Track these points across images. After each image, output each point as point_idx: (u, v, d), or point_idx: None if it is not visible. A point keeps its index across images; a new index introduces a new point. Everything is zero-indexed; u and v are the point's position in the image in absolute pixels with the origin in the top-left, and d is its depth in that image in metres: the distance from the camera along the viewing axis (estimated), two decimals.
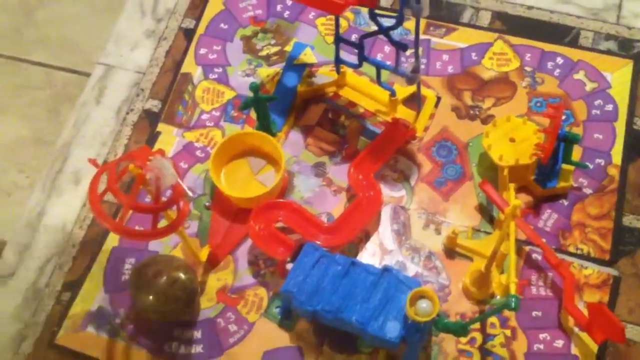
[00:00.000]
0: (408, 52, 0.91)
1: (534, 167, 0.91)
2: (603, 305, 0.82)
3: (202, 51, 1.07)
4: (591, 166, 0.95)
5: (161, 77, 1.05)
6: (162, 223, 0.80)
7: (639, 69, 1.02)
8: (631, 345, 0.85)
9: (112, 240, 0.94)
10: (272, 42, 1.07)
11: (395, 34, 0.88)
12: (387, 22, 0.88)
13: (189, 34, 1.09)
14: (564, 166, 0.92)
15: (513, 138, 0.92)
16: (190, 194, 0.79)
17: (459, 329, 0.77)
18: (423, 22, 1.05)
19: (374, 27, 0.89)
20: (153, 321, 0.88)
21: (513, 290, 0.74)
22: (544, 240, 0.89)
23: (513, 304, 0.71)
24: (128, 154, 0.74)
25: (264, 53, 1.06)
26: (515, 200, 0.76)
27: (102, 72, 1.07)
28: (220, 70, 1.05)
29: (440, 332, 0.81)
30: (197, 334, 0.88)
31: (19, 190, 1.02)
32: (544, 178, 0.92)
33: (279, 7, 1.09)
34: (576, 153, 0.96)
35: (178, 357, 0.87)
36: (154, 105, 1.04)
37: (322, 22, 1.08)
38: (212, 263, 0.91)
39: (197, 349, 0.87)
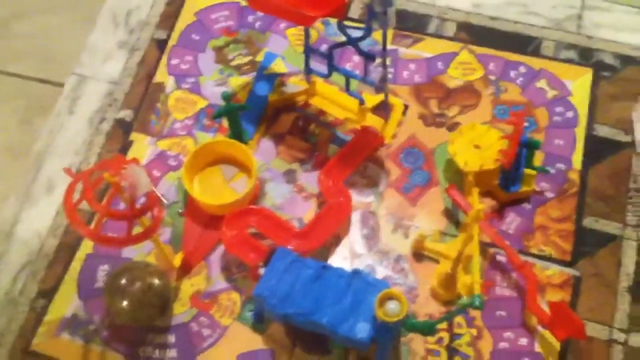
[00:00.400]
0: (376, 62, 0.94)
1: (498, 173, 0.94)
2: (564, 303, 0.85)
3: (175, 61, 1.09)
4: (552, 171, 0.98)
5: (134, 87, 1.07)
6: (136, 230, 0.81)
7: (598, 77, 1.06)
8: (592, 342, 0.88)
9: (86, 247, 0.96)
10: (244, 52, 1.09)
11: (364, 44, 0.91)
12: (355, 33, 0.91)
13: (161, 44, 1.11)
14: (527, 171, 0.95)
15: (478, 145, 0.95)
16: (165, 201, 0.80)
17: (426, 329, 0.80)
18: (390, 33, 1.08)
19: (344, 38, 0.92)
20: (127, 326, 0.90)
21: (477, 290, 0.77)
22: (507, 242, 0.92)
23: (477, 302, 0.74)
24: (102, 163, 0.76)
25: (235, 63, 1.09)
26: (478, 204, 0.79)
27: (76, 83, 1.08)
28: (193, 80, 1.07)
29: (408, 332, 0.84)
30: (171, 339, 0.89)
31: None
32: (507, 183, 0.95)
33: (250, 18, 1.12)
34: (538, 158, 0.99)
35: None
36: (126, 114, 1.05)
37: (292, 32, 1.11)
38: (186, 269, 0.92)
39: (171, 353, 0.89)
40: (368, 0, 0.83)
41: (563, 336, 0.84)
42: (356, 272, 0.84)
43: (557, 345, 0.87)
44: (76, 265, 0.95)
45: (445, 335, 0.88)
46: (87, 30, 1.13)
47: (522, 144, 0.94)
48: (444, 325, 0.88)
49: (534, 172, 0.95)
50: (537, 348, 0.87)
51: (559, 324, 0.83)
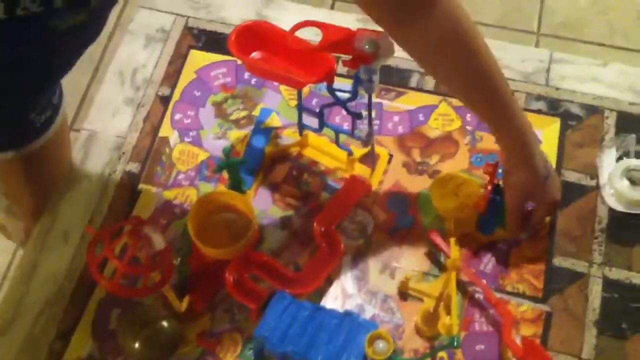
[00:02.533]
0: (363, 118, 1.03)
1: (475, 219, 1.04)
2: (535, 340, 0.94)
3: (178, 116, 1.18)
4: None
5: (140, 141, 1.16)
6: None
7: (566, 125, 1.15)
8: None
9: (100, 292, 1.04)
10: (241, 107, 1.19)
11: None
12: (343, 93, 1.00)
13: (165, 100, 1.20)
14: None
15: (457, 192, 1.04)
16: (178, 259, 0.89)
17: None
18: (375, 92, 1.17)
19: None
20: None
21: (455, 331, 0.86)
22: (484, 281, 1.01)
23: (455, 343, 0.84)
24: (121, 223, 0.85)
25: (233, 117, 1.18)
26: (455, 253, 0.89)
27: (86, 137, 1.17)
28: (194, 133, 1.17)
29: None
30: None
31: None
32: (483, 227, 1.05)
33: (246, 75, 1.21)
34: None
35: None
36: (134, 167, 1.14)
37: (285, 87, 1.20)
38: (192, 311, 1.01)
39: None
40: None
41: None
42: (347, 313, 0.93)
43: None
44: (91, 308, 1.03)
45: None
46: (96, 87, 1.22)
47: (497, 191, 1.03)
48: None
49: None
50: None
51: (531, 358, 0.92)
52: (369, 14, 0.87)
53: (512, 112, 0.95)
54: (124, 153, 1.15)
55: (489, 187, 1.01)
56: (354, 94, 0.97)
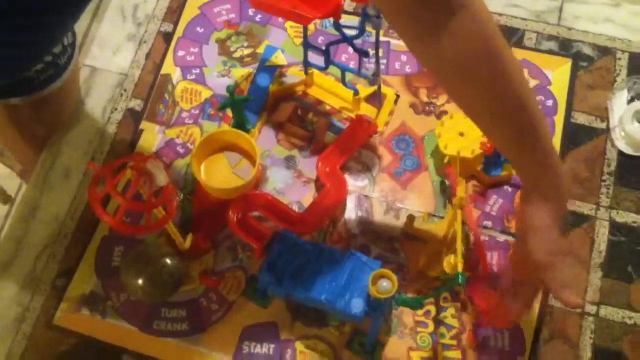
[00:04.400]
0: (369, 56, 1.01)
1: (481, 159, 1.02)
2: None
3: (180, 53, 1.16)
4: None
5: (142, 78, 1.14)
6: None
7: (577, 66, 1.13)
8: (566, 315, 0.96)
9: (102, 230, 1.03)
10: (245, 44, 1.16)
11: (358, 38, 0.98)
12: (350, 31, 0.98)
13: (167, 37, 1.17)
14: None
15: (462, 132, 1.02)
16: (180, 195, 0.88)
17: (415, 303, 0.88)
18: (383, 28, 1.14)
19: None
20: (142, 302, 0.98)
21: (460, 268, 0.85)
22: (480, 229, 1.00)
23: (460, 279, 0.83)
24: (123, 158, 0.84)
25: (237, 55, 1.15)
26: (462, 192, 0.87)
27: (88, 74, 1.15)
28: (198, 71, 1.14)
29: (399, 306, 0.92)
30: (183, 313, 0.98)
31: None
32: (490, 167, 1.03)
33: (250, 12, 1.18)
34: None
35: (165, 334, 0.97)
36: (136, 104, 1.12)
37: (290, 24, 1.17)
38: (195, 249, 1.00)
39: (183, 326, 0.97)
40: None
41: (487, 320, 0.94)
42: (351, 253, 0.92)
43: (534, 317, 0.96)
44: (93, 246, 1.03)
45: (432, 309, 0.97)
46: (97, 23, 1.19)
47: None
48: (431, 299, 0.97)
49: None
50: None
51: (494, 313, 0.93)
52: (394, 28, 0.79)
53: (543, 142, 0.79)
54: (125, 90, 1.13)
55: None
56: (361, 30, 0.95)
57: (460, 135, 1.02)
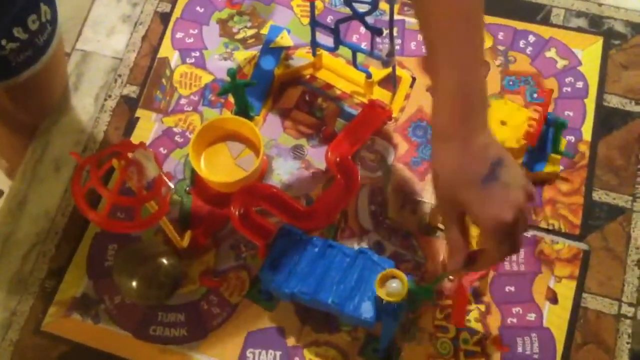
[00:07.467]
0: (383, 35, 0.92)
1: (524, 151, 0.93)
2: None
3: (179, 35, 1.08)
4: (575, 156, 0.97)
5: (138, 62, 1.06)
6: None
7: (609, 45, 1.04)
8: (600, 317, 0.88)
9: (95, 226, 0.96)
10: (248, 25, 1.08)
11: (370, 17, 0.90)
12: (361, 7, 0.89)
13: (164, 18, 1.09)
14: (552, 155, 0.94)
15: (505, 121, 0.93)
16: (172, 186, 0.80)
17: (425, 292, 0.80)
18: (397, 3, 1.06)
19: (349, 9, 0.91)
20: (138, 306, 0.90)
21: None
22: None
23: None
24: (109, 148, 0.76)
25: (240, 36, 1.07)
26: None
27: (79, 59, 1.08)
28: (197, 54, 1.06)
29: (413, 306, 0.84)
30: (181, 317, 0.90)
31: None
32: (532, 162, 0.94)
33: None
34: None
35: (163, 340, 0.89)
36: (132, 90, 1.05)
37: (297, 3, 1.09)
38: (194, 248, 0.93)
39: (182, 331, 0.90)
40: None
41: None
42: (361, 251, 0.84)
43: (565, 320, 0.88)
44: (85, 244, 0.95)
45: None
46: (88, 4, 1.12)
47: (549, 123, 0.93)
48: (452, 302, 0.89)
49: (558, 156, 0.94)
50: (545, 323, 0.88)
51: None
52: None
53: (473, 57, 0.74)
54: (120, 75, 1.06)
55: (541, 120, 0.90)
56: (375, 5, 0.86)
57: (503, 124, 0.93)
